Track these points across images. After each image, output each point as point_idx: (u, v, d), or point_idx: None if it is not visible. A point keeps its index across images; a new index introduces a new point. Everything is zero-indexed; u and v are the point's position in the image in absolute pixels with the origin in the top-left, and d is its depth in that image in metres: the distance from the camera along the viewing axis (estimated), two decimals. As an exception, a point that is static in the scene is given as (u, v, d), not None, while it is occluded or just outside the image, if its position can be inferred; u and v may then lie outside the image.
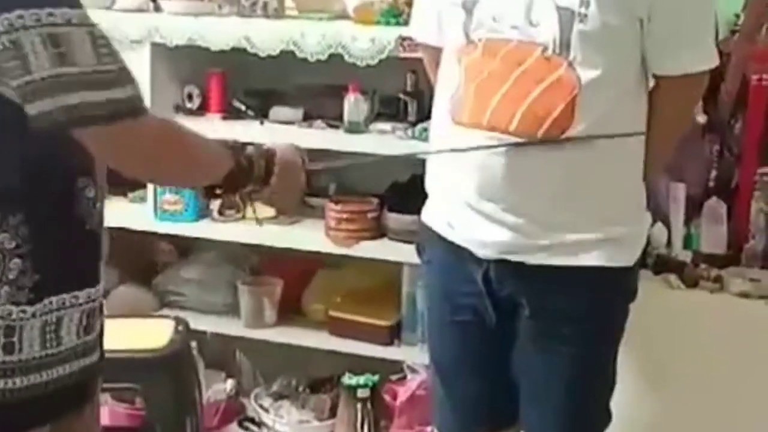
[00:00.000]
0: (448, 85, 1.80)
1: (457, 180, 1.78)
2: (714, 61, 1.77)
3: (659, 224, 2.46)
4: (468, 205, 1.76)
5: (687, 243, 2.47)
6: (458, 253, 1.80)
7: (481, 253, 1.77)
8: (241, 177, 1.50)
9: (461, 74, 1.75)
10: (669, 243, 2.46)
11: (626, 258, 1.79)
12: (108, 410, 2.65)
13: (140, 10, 2.81)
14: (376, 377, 2.76)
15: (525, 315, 1.79)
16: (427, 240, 1.90)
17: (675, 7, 1.69)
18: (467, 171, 1.74)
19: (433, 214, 1.88)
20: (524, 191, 1.71)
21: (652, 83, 1.80)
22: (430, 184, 1.89)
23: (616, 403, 1.91)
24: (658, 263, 2.43)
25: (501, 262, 1.76)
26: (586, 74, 1.66)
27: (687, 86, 1.79)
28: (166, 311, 2.93)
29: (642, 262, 2.41)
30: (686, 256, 2.44)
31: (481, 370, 1.89)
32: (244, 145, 1.53)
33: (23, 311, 1.33)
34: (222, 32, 2.66)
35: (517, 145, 1.68)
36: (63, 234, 1.37)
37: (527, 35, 1.68)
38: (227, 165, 1.48)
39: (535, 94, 1.67)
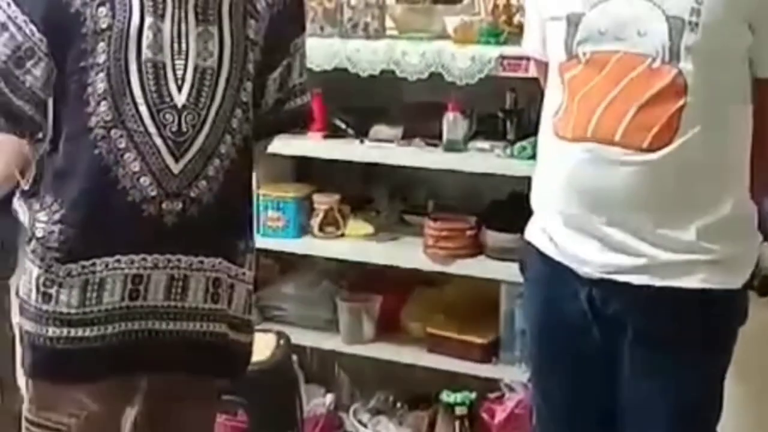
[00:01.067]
0: (552, 101, 1.80)
1: (558, 195, 1.76)
2: None
3: (766, 244, 2.40)
4: (569, 220, 1.74)
5: (794, 264, 2.41)
6: (561, 271, 1.78)
7: (583, 271, 1.75)
8: None
9: (565, 89, 1.74)
10: (775, 264, 2.41)
11: (734, 280, 1.73)
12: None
13: (245, 33, 2.88)
14: (473, 395, 2.76)
15: (630, 337, 1.75)
16: (529, 257, 1.89)
17: None
18: (569, 185, 1.73)
19: (535, 231, 1.86)
20: (627, 206, 1.68)
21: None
22: (534, 201, 1.88)
23: (722, 428, 1.87)
24: (764, 284, 2.37)
25: (604, 282, 1.73)
26: (696, 82, 1.63)
27: None
28: (267, 326, 2.99)
29: (749, 284, 2.38)
30: (792, 278, 2.37)
31: (586, 392, 1.85)
32: None
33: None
34: (324, 53, 2.72)
35: None
36: None
37: (634, 47, 1.66)
38: None
39: (640, 104, 1.65)
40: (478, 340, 2.75)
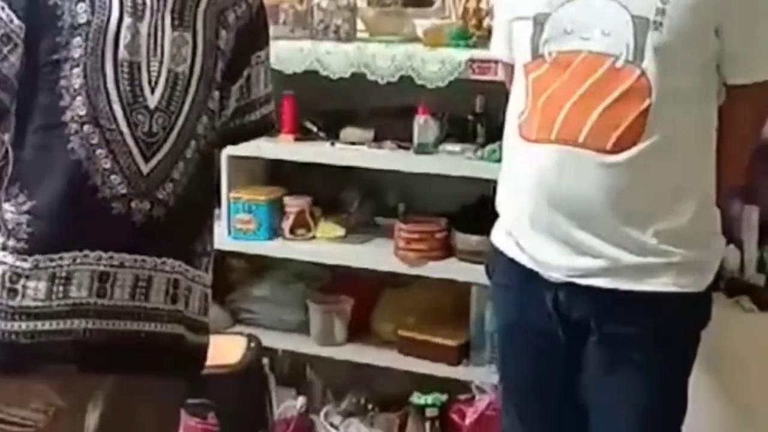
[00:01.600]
0: (517, 102, 1.80)
1: (523, 197, 1.77)
2: None
3: (732, 247, 2.42)
4: (535, 223, 1.75)
5: (760, 266, 2.43)
6: (527, 275, 1.80)
7: (548, 275, 1.76)
8: None
9: (529, 90, 1.75)
10: (742, 266, 2.43)
11: (696, 283, 1.75)
12: (182, 425, 2.71)
13: (216, 35, 2.88)
14: (444, 397, 2.77)
15: (593, 339, 1.77)
16: (496, 261, 1.90)
17: (747, 14, 1.67)
18: (535, 186, 1.73)
19: (501, 235, 1.87)
20: (591, 209, 1.69)
21: (721, 100, 1.79)
22: (499, 204, 1.89)
23: (688, 427, 1.89)
24: (731, 286, 2.39)
25: (570, 285, 1.75)
26: (659, 84, 1.64)
27: (759, 97, 1.76)
28: (238, 328, 2.99)
29: (715, 286, 2.40)
30: (760, 280, 2.40)
31: (552, 393, 1.87)
32: None
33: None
34: (295, 55, 2.72)
35: None
36: None
37: (598, 46, 1.67)
38: None
39: (604, 105, 1.65)
40: (449, 342, 2.76)
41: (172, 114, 1.60)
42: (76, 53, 1.56)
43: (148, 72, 1.58)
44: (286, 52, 2.73)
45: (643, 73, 1.64)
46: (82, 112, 1.56)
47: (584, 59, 1.68)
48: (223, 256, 3.07)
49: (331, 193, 2.98)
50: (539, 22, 1.72)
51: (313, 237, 2.89)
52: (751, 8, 1.68)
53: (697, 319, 1.80)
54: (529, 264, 1.79)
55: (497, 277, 1.92)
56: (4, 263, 1.58)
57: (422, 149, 2.68)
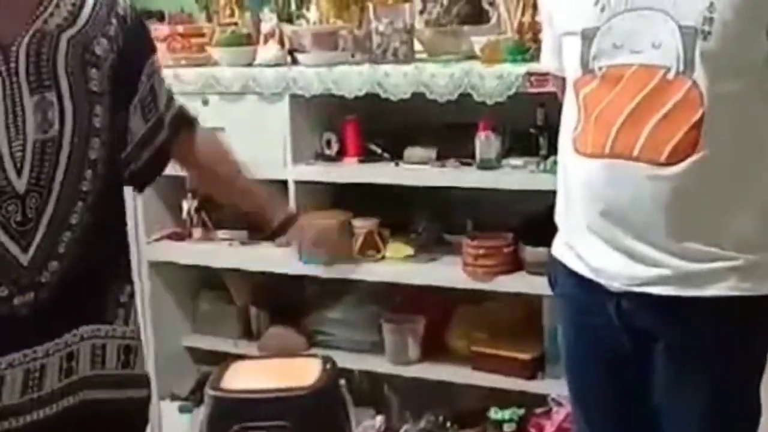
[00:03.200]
0: (569, 117, 1.80)
1: (581, 211, 1.77)
2: None
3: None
4: (593, 235, 1.75)
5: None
6: (589, 285, 1.79)
7: (609, 285, 1.75)
8: None
9: (581, 105, 1.75)
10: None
11: (760, 286, 1.71)
12: (263, 448, 2.76)
13: (278, 65, 2.95)
14: (521, 411, 2.77)
15: (661, 347, 1.75)
16: (558, 273, 1.90)
17: None
18: (592, 200, 1.73)
19: (561, 247, 1.87)
20: (648, 222, 1.68)
21: None
22: (558, 217, 1.89)
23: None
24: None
25: (632, 294, 1.73)
26: (711, 93, 1.62)
27: None
28: (314, 351, 3.03)
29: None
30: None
31: (621, 402, 1.86)
32: None
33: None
34: (355, 80, 2.77)
35: None
36: None
37: (648, 59, 1.66)
38: None
39: (657, 118, 1.64)
40: (523, 356, 2.76)
41: (44, 188, 1.41)
42: None
43: (11, 154, 1.38)
44: (347, 77, 2.78)
45: (694, 84, 1.63)
46: None
47: (635, 72, 1.67)
48: (295, 280, 3.15)
49: (398, 213, 3.01)
50: (588, 37, 1.71)
51: (383, 257, 2.93)
52: None
53: (764, 323, 1.77)
54: (589, 274, 1.79)
55: (559, 288, 1.92)
56: None
57: (485, 165, 2.70)
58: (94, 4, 1.46)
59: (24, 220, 1.40)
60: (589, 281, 1.79)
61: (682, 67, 1.63)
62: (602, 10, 1.69)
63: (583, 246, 1.79)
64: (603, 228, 1.73)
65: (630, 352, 1.79)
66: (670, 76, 1.64)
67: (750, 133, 1.69)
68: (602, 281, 1.76)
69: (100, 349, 1.53)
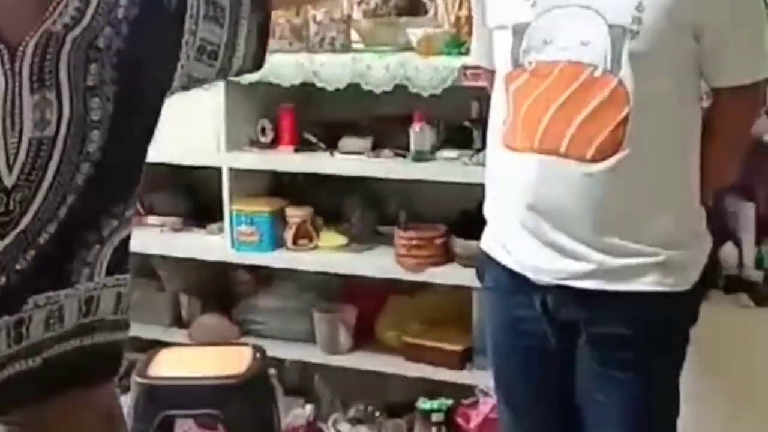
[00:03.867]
0: (499, 111, 1.82)
1: (510, 205, 1.79)
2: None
3: (730, 244, 2.45)
4: (522, 229, 1.77)
5: (758, 263, 2.45)
6: (516, 279, 1.82)
7: (537, 278, 1.78)
8: None
9: (510, 100, 1.77)
10: (740, 263, 2.45)
11: (682, 282, 1.76)
12: (191, 436, 2.75)
13: (214, 50, 2.92)
14: (449, 401, 2.80)
15: (583, 340, 1.79)
16: (486, 265, 1.92)
17: (726, 16, 1.68)
18: (520, 195, 1.76)
19: (490, 240, 1.89)
20: (574, 217, 1.71)
21: (706, 103, 1.81)
22: (486, 211, 1.91)
23: (686, 424, 1.90)
24: (729, 283, 2.42)
25: (557, 288, 1.76)
26: (637, 92, 1.65)
27: (744, 98, 1.77)
28: (246, 339, 3.02)
29: (713, 283, 2.41)
30: (758, 276, 2.42)
31: (546, 394, 1.89)
32: None
33: None
34: (291, 68, 2.76)
35: None
36: None
37: (577, 56, 1.68)
38: None
39: (584, 115, 1.67)
40: (453, 347, 2.78)
41: (32, 184, 1.37)
42: None
43: (5, 150, 1.35)
44: (283, 66, 2.77)
45: (620, 82, 1.66)
46: None
47: (563, 69, 1.69)
48: (227, 268, 3.14)
49: (332, 202, 3.01)
50: (518, 32, 1.73)
51: (316, 247, 2.92)
52: (730, 10, 1.69)
53: (685, 317, 1.81)
54: (516, 268, 1.81)
55: (487, 281, 1.94)
56: None
57: (420, 156, 2.72)
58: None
59: (5, 212, 1.37)
60: (516, 274, 1.81)
61: (609, 66, 1.66)
62: (533, 5, 1.71)
63: (511, 239, 1.81)
64: (530, 222, 1.76)
65: (554, 346, 1.82)
66: (597, 73, 1.67)
67: (675, 133, 1.73)
68: (529, 275, 1.79)
69: (56, 312, 1.48)
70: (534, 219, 1.75)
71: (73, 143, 1.41)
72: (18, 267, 1.40)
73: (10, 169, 1.37)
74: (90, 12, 1.40)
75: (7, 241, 1.38)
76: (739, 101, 1.78)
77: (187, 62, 1.48)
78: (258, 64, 1.54)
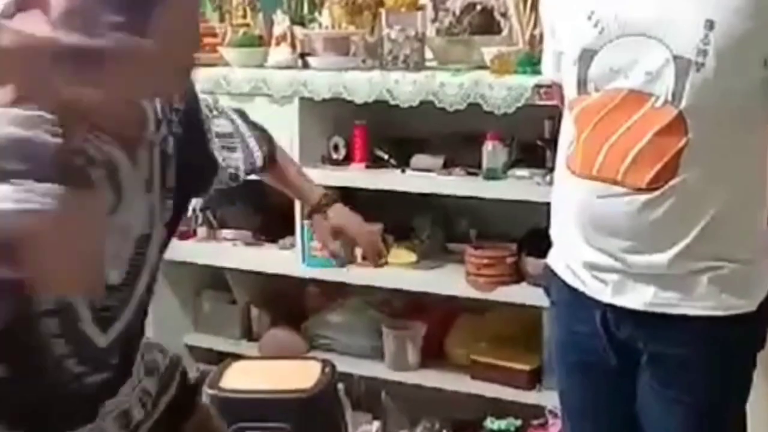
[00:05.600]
0: (565, 135, 1.84)
1: (571, 228, 1.81)
2: None
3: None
4: (582, 252, 1.79)
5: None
6: (577, 295, 1.83)
7: (597, 296, 1.79)
8: None
9: (574, 125, 1.79)
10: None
11: (745, 303, 1.74)
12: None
13: (289, 67, 2.96)
14: (518, 422, 2.78)
15: (644, 360, 1.78)
16: (551, 282, 1.93)
17: None
18: (577, 222, 1.78)
19: (554, 257, 1.92)
20: (633, 244, 1.72)
21: None
22: (553, 229, 1.93)
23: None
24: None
25: (617, 306, 1.77)
26: (697, 123, 1.65)
27: None
28: (314, 354, 3.04)
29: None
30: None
31: (607, 411, 1.89)
32: None
33: None
34: (365, 85, 2.78)
35: None
36: None
37: (640, 85, 1.68)
38: None
39: (642, 144, 1.68)
40: (522, 367, 2.77)
41: (134, 281, 1.42)
42: None
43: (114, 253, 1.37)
44: (357, 82, 2.80)
45: (680, 113, 1.66)
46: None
47: (625, 98, 1.70)
48: (298, 282, 3.16)
49: (403, 219, 3.02)
50: (585, 60, 1.74)
51: (386, 263, 2.92)
52: None
53: (749, 341, 1.79)
54: (579, 286, 1.83)
55: (553, 296, 1.96)
56: None
57: (491, 175, 2.71)
58: (161, 102, 1.46)
59: (109, 307, 1.41)
60: (578, 291, 1.83)
61: (670, 97, 1.66)
62: (600, 32, 1.72)
63: (572, 258, 1.83)
64: (590, 246, 1.77)
65: (616, 364, 1.82)
66: (659, 104, 1.67)
67: (737, 156, 1.72)
68: (590, 293, 1.80)
69: (143, 390, 1.54)
70: (593, 243, 1.77)
71: (160, 238, 1.46)
72: (114, 362, 1.42)
73: (117, 268, 1.39)
74: (158, 118, 1.44)
75: (111, 336, 1.40)
76: None
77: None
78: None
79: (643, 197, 1.69)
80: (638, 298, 1.75)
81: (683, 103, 1.65)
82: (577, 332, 1.86)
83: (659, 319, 1.74)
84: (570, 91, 1.80)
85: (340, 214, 1.97)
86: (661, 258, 1.71)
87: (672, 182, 1.68)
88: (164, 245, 1.49)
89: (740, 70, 1.66)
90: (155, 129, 1.44)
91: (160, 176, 1.44)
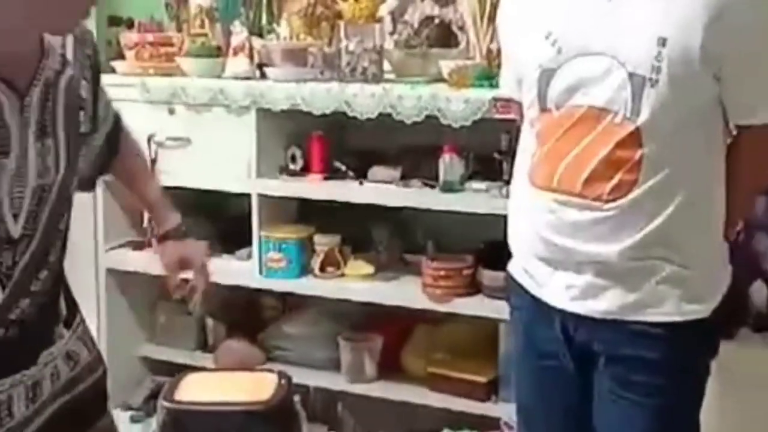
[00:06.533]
0: (525, 147, 1.89)
1: (530, 239, 1.86)
2: None
3: (759, 282, 2.44)
4: (540, 264, 1.84)
5: (788, 301, 2.44)
6: (537, 301, 1.87)
7: (556, 303, 1.83)
8: None
9: (535, 139, 1.83)
10: (769, 301, 2.44)
11: (699, 309, 1.78)
12: (215, 461, 2.74)
13: (247, 78, 2.96)
14: (474, 433, 2.79)
15: (601, 363, 1.82)
16: (512, 288, 1.97)
17: (748, 58, 1.70)
18: (537, 231, 1.82)
19: (515, 266, 1.95)
20: (590, 255, 1.76)
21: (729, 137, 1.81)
22: (510, 241, 1.97)
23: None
24: (758, 321, 2.40)
25: (576, 313, 1.81)
26: (652, 138, 1.69)
27: (766, 137, 1.78)
28: (271, 365, 3.02)
29: (742, 321, 2.41)
30: (788, 315, 2.41)
31: (563, 415, 1.92)
32: None
33: None
34: (323, 97, 2.79)
35: None
36: None
37: (599, 102, 1.73)
38: None
39: (600, 157, 1.72)
40: (478, 379, 2.78)
41: (33, 233, 1.39)
42: None
43: (10, 200, 1.35)
44: (315, 94, 2.80)
45: (638, 128, 1.70)
46: None
47: (585, 114, 1.75)
48: (254, 294, 3.15)
49: (361, 231, 3.02)
50: (545, 78, 1.78)
51: (343, 275, 2.93)
52: (751, 52, 1.70)
53: (702, 347, 1.83)
54: (538, 293, 1.87)
55: (512, 301, 2.00)
56: None
57: (448, 187, 2.73)
58: (74, 45, 1.44)
59: (12, 265, 1.38)
60: (538, 298, 1.87)
61: (629, 113, 1.70)
62: (558, 52, 1.77)
63: (531, 266, 1.88)
64: (549, 256, 1.82)
65: (574, 368, 1.86)
66: (618, 119, 1.72)
67: (693, 170, 1.76)
68: (545, 299, 1.85)
69: (55, 368, 1.52)
70: (552, 253, 1.81)
71: (64, 189, 1.42)
72: (13, 317, 1.39)
73: (15, 219, 1.36)
74: (69, 59, 1.42)
75: (6, 291, 1.37)
76: (762, 138, 1.79)
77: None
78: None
79: (600, 209, 1.74)
80: (597, 305, 1.79)
81: (640, 119, 1.70)
82: (536, 337, 1.90)
83: (617, 324, 1.78)
84: (531, 109, 1.84)
85: (193, 247, 1.91)
86: (612, 248, 1.75)
87: (631, 195, 1.72)
88: (67, 201, 1.43)
89: (692, 85, 1.70)
90: (60, 69, 1.39)
91: (64, 122, 1.39)
